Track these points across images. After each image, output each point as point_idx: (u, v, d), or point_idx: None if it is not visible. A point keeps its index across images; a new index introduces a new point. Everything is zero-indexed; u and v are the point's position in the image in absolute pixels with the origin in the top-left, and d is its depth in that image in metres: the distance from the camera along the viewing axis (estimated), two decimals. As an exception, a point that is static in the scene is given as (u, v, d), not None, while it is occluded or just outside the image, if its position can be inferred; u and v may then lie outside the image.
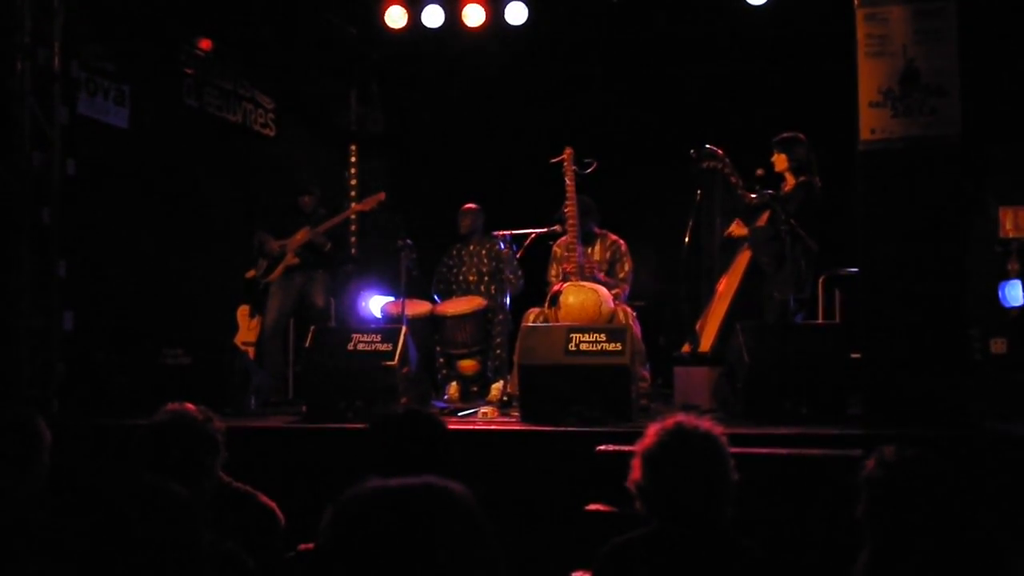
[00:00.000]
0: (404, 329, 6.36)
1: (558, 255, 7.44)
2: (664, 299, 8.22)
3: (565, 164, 7.00)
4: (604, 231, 7.50)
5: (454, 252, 8.11)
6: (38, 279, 6.44)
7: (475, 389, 7.57)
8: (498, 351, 7.38)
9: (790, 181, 6.79)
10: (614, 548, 2.83)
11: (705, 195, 6.89)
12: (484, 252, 7.97)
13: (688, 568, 2.71)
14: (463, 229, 8.04)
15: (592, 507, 4.64)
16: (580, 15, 8.77)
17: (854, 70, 5.44)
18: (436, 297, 8.02)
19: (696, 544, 2.72)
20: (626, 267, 7.38)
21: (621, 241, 7.46)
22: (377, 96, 10.41)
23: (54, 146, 6.55)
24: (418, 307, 7.54)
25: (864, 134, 5.39)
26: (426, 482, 1.43)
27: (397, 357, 6.10)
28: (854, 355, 5.63)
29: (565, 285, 6.79)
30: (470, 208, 8.10)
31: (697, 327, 6.90)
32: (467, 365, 7.57)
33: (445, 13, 8.60)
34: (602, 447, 4.87)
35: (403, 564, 1.34)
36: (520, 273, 7.80)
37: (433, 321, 7.53)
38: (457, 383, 7.58)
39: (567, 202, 7.02)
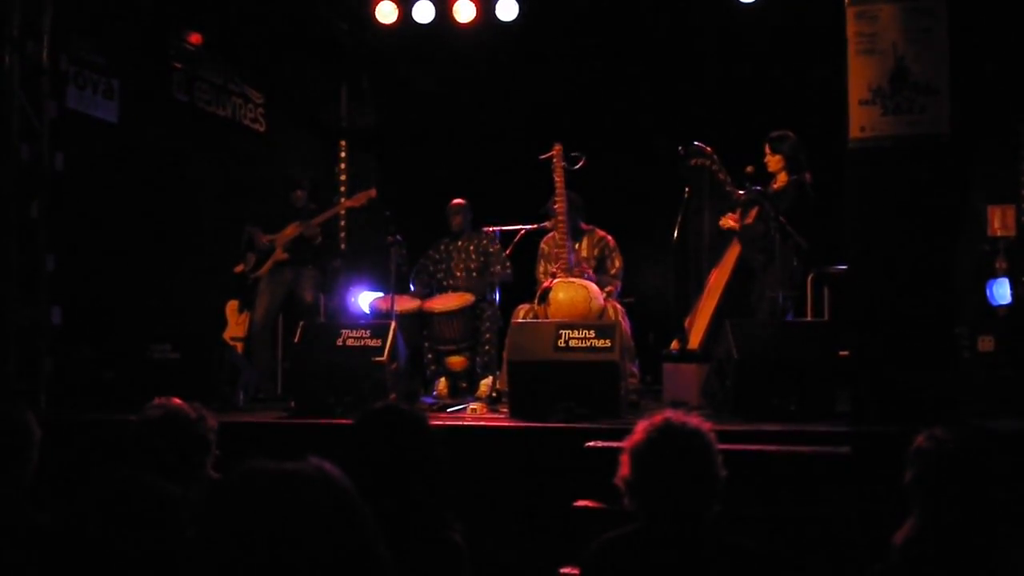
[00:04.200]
0: (393, 325, 6.36)
1: (545, 252, 7.45)
2: (653, 295, 8.24)
3: (554, 160, 7.00)
4: (591, 227, 7.50)
5: (442, 247, 8.09)
6: (26, 273, 6.42)
7: (464, 385, 7.57)
8: (487, 347, 7.38)
9: (781, 179, 6.81)
10: (603, 544, 2.83)
11: (693, 192, 6.91)
12: (472, 248, 7.97)
13: (676, 564, 2.71)
14: (455, 226, 8.02)
15: (581, 503, 4.65)
16: (570, 12, 8.77)
17: (844, 68, 5.45)
18: (412, 285, 7.97)
19: (684, 540, 2.73)
20: (616, 264, 7.39)
21: (609, 237, 7.46)
22: (367, 92, 10.39)
23: (42, 140, 6.53)
24: (407, 303, 7.53)
25: (854, 132, 5.40)
26: (295, 467, 1.43)
27: (386, 353, 6.10)
28: (843, 352, 5.65)
29: (555, 281, 6.80)
30: (460, 204, 8.07)
31: (686, 324, 6.91)
32: (456, 361, 7.57)
33: (436, 9, 8.60)
34: (591, 443, 4.88)
35: (269, 545, 1.34)
36: (508, 264, 7.78)
37: (421, 317, 7.52)
38: (446, 379, 7.57)
39: (556, 198, 7.02)
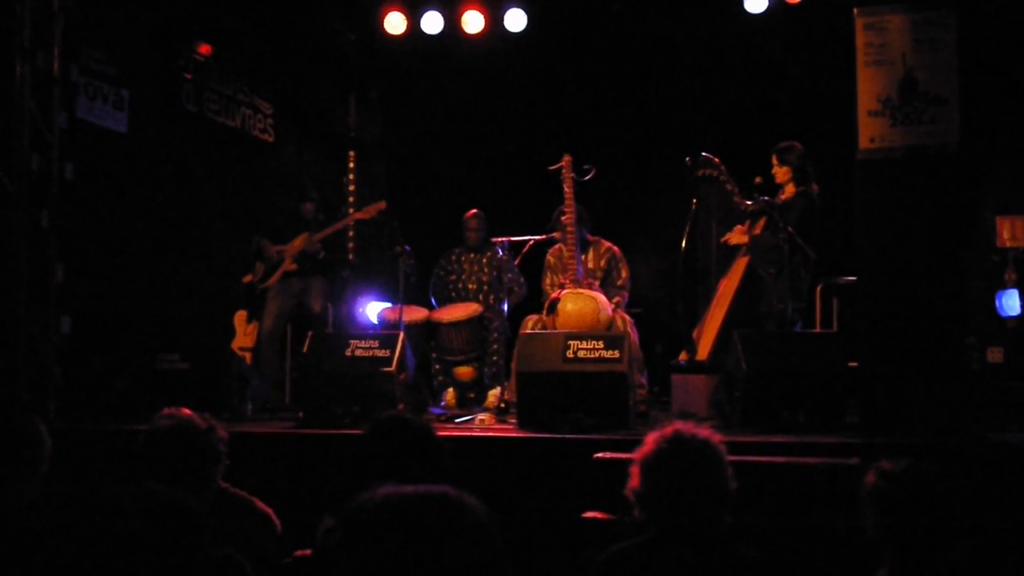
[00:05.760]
0: (402, 335, 6.36)
1: (552, 263, 7.45)
2: (661, 306, 8.23)
3: (564, 171, 7.00)
4: (597, 238, 7.50)
5: (453, 258, 8.10)
6: (36, 283, 6.43)
7: (472, 396, 7.57)
8: (495, 358, 7.37)
9: (789, 190, 6.80)
10: (612, 556, 2.83)
11: (701, 203, 6.89)
12: (485, 260, 7.97)
13: (686, 576, 2.71)
14: (475, 239, 8.00)
15: (589, 515, 4.63)
16: (579, 22, 8.78)
17: (853, 79, 5.45)
18: (433, 300, 8.01)
19: (694, 552, 2.72)
20: (623, 274, 7.39)
21: (616, 248, 7.46)
22: (376, 102, 10.42)
23: (53, 150, 6.54)
24: (415, 313, 7.54)
25: (863, 143, 5.40)
26: (440, 491, 1.43)
27: (395, 363, 6.10)
28: (852, 364, 5.63)
29: (563, 292, 6.79)
30: (479, 214, 8.07)
31: (694, 335, 6.89)
32: (464, 372, 7.57)
33: (444, 20, 8.61)
34: (600, 454, 4.87)
35: (413, 573, 1.34)
36: (522, 280, 7.79)
37: (429, 327, 7.52)
38: (454, 390, 7.58)
39: (565, 209, 7.02)
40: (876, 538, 2.78)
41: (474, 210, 8.10)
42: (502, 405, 6.76)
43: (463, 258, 8.06)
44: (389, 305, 7.95)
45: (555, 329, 6.56)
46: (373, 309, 8.37)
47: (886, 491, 2.75)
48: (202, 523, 1.58)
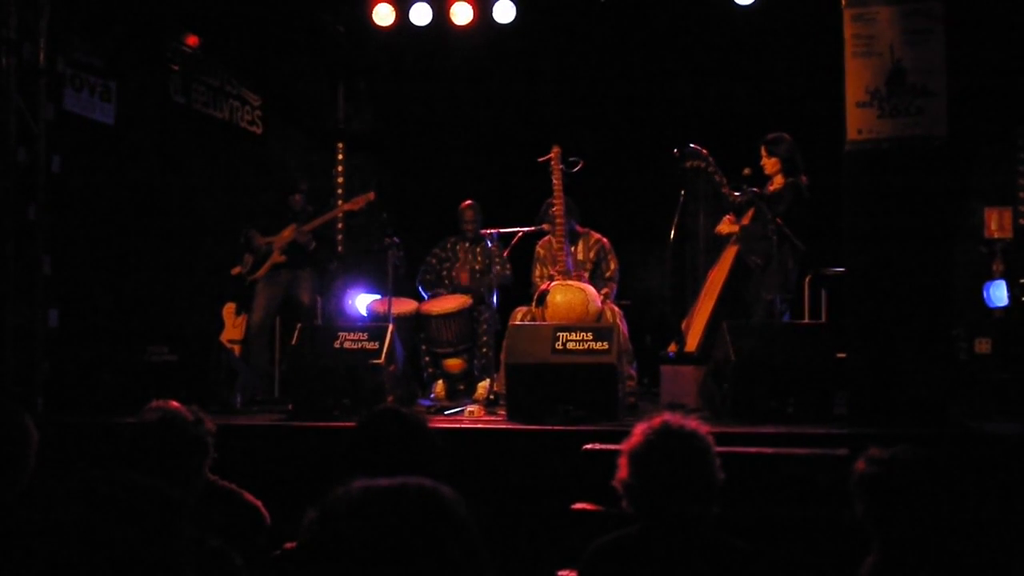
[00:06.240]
0: (391, 327, 6.36)
1: (541, 255, 7.45)
2: (650, 298, 8.24)
3: (552, 163, 6.99)
4: (587, 229, 7.51)
5: (448, 246, 8.10)
6: (23, 276, 6.40)
7: (461, 387, 7.57)
8: (484, 350, 7.38)
9: (778, 181, 6.81)
10: (600, 547, 2.83)
11: (689, 194, 6.90)
12: (479, 251, 7.98)
13: (674, 567, 2.71)
14: (471, 230, 8.02)
15: (578, 506, 4.64)
16: (568, 14, 8.77)
17: (841, 70, 5.45)
18: (420, 288, 8.00)
19: (682, 543, 2.73)
20: (612, 265, 7.40)
21: (604, 239, 7.47)
22: (364, 94, 10.39)
23: (39, 142, 6.51)
24: (404, 305, 7.53)
25: (851, 134, 5.41)
26: (416, 483, 1.43)
27: (384, 355, 6.10)
28: (840, 355, 5.65)
29: (553, 284, 6.80)
30: (475, 204, 8.08)
31: (683, 326, 6.91)
32: (453, 363, 7.57)
33: (433, 11, 8.59)
34: (589, 446, 4.87)
35: (389, 565, 1.34)
36: (508, 265, 7.79)
37: (419, 319, 7.52)
38: (443, 381, 7.58)
39: (554, 201, 7.02)
40: (866, 525, 2.79)
41: (469, 200, 8.10)
42: (491, 397, 6.77)
43: (459, 247, 8.07)
44: (378, 297, 7.94)
45: (544, 321, 6.56)
46: (362, 301, 8.37)
47: (876, 476, 2.76)
48: (179, 511, 1.57)
